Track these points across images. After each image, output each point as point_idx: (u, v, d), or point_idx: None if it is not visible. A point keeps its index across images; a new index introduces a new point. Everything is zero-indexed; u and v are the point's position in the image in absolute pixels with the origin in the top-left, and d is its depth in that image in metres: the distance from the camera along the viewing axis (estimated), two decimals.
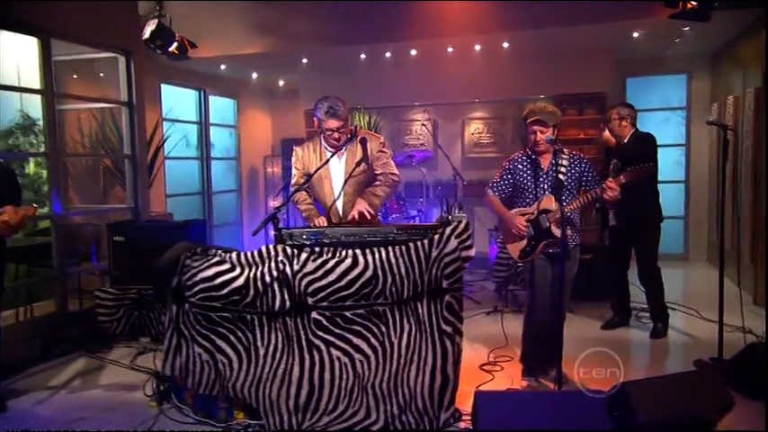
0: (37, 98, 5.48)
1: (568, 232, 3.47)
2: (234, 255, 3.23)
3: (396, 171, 3.81)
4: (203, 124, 8.29)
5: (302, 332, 3.16)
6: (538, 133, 3.63)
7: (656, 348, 4.52)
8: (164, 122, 7.21)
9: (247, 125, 9.20)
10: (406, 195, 6.81)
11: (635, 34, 6.28)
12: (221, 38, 6.83)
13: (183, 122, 7.92)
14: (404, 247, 3.11)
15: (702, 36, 6.34)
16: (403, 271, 3.09)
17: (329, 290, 3.09)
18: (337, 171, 3.69)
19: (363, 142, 3.69)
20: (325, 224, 3.59)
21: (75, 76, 6.35)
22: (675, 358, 4.24)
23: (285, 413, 3.15)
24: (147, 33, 5.92)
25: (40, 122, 5.79)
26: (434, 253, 3.10)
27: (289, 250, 3.15)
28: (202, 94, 8.24)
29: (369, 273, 3.08)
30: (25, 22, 4.51)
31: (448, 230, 3.11)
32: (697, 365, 3.89)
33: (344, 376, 3.15)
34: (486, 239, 6.77)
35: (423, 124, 7.81)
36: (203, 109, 8.27)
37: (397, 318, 3.16)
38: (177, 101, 7.80)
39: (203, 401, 3.39)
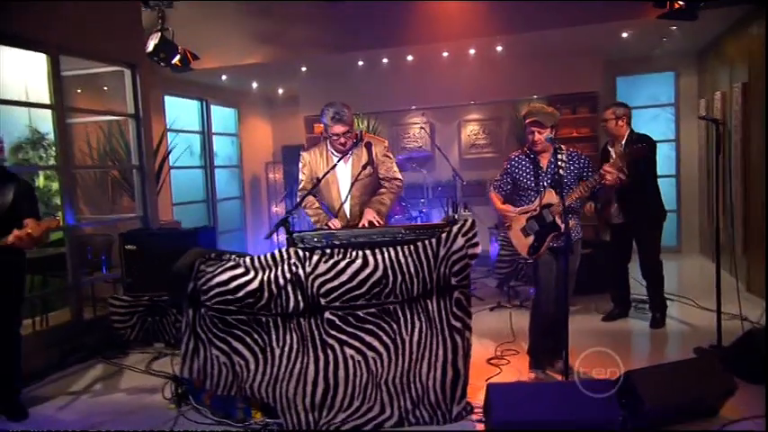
0: (45, 113, 5.52)
1: (572, 223, 3.50)
2: (247, 259, 3.25)
3: (399, 176, 3.86)
4: (206, 134, 8.30)
5: (316, 332, 3.19)
6: (536, 133, 3.66)
7: (657, 337, 4.55)
8: (168, 133, 7.21)
9: (248, 133, 9.22)
10: (408, 197, 6.83)
11: (624, 34, 6.32)
12: (222, 49, 6.85)
13: (186, 132, 7.93)
14: (412, 247, 3.14)
15: (689, 34, 6.40)
16: (412, 269, 3.12)
17: (341, 290, 3.12)
18: (344, 175, 3.72)
19: (369, 147, 3.72)
20: (339, 226, 3.60)
21: (79, 91, 6.36)
22: (675, 346, 4.28)
23: (302, 411, 3.18)
24: (150, 47, 5.94)
25: (49, 136, 5.83)
26: (442, 251, 3.13)
27: (301, 253, 3.18)
28: (204, 104, 8.25)
29: (379, 272, 3.11)
30: (34, 39, 4.52)
31: (455, 229, 3.15)
32: (697, 353, 3.93)
33: (358, 373, 3.18)
34: (486, 237, 6.80)
35: (422, 127, 7.84)
36: (205, 119, 8.28)
37: (408, 315, 3.20)
38: (180, 112, 7.81)
39: (221, 402, 3.40)
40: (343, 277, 3.11)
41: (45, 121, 5.80)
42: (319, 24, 6.52)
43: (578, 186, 3.55)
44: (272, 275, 3.14)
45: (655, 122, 7.87)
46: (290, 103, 9.04)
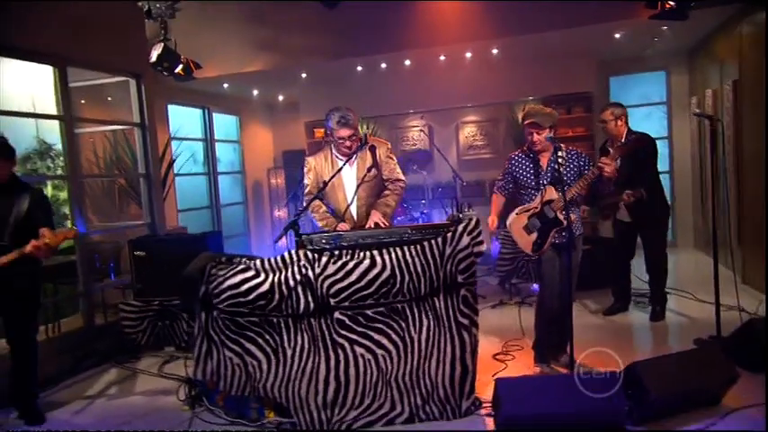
0: (52, 124, 5.52)
1: (573, 218, 3.53)
2: (258, 261, 3.27)
3: (402, 177, 3.87)
4: (209, 141, 8.31)
5: (326, 332, 3.20)
6: (534, 134, 3.68)
7: (657, 330, 4.58)
8: (172, 141, 7.22)
9: (250, 140, 9.23)
10: (409, 198, 6.85)
11: (617, 35, 6.36)
12: (223, 57, 6.86)
13: (190, 140, 7.94)
14: (419, 246, 3.16)
15: (679, 34, 6.43)
16: (419, 269, 3.14)
17: (350, 290, 3.14)
18: (349, 178, 3.73)
19: (373, 150, 3.73)
20: (348, 229, 3.62)
21: (83, 102, 6.37)
22: (676, 338, 4.30)
23: (314, 409, 3.19)
24: (153, 57, 5.95)
25: (56, 147, 5.84)
26: (448, 250, 3.15)
27: (310, 254, 3.19)
28: (206, 112, 8.26)
29: (387, 272, 3.12)
30: (42, 51, 4.54)
31: (460, 228, 3.17)
32: (697, 344, 3.95)
33: (369, 372, 3.19)
34: (487, 236, 6.80)
35: (421, 130, 7.87)
36: (208, 126, 8.29)
37: (416, 313, 3.21)
38: (183, 120, 7.82)
39: (234, 403, 3.41)
40: (352, 278, 3.13)
41: (51, 132, 5.80)
42: (318, 31, 6.54)
43: (578, 181, 3.57)
44: (283, 277, 3.15)
45: (648, 120, 7.91)
46: (289, 110, 9.06)
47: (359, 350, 3.19)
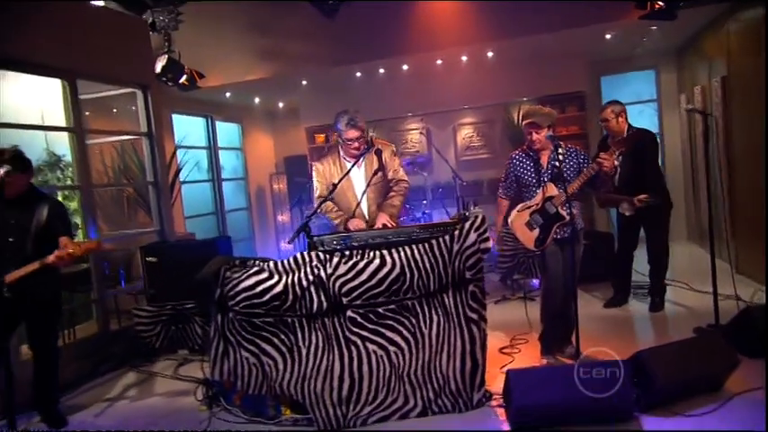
0: (60, 136, 5.54)
1: (574, 212, 3.57)
2: (271, 263, 3.29)
3: (405, 177, 3.91)
4: (212, 149, 8.33)
5: (340, 330, 3.22)
6: (533, 133, 3.71)
7: (657, 320, 4.61)
8: (177, 150, 7.23)
9: (252, 146, 9.24)
10: (410, 199, 6.88)
11: (608, 36, 6.41)
12: (226, 67, 6.89)
13: (194, 148, 7.96)
14: (427, 244, 3.19)
15: (667, 33, 6.48)
16: (428, 266, 3.17)
17: (361, 289, 3.16)
18: (358, 179, 3.76)
19: (379, 153, 3.76)
20: (363, 226, 3.63)
21: (87, 113, 6.37)
22: (675, 328, 4.32)
23: (330, 406, 3.20)
24: (158, 68, 5.98)
25: (65, 158, 5.84)
26: (456, 247, 3.18)
27: (321, 255, 3.22)
28: (210, 120, 8.28)
29: (396, 270, 3.15)
30: (52, 66, 4.56)
31: (467, 225, 3.20)
32: (697, 332, 3.98)
33: (382, 368, 3.21)
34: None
35: (421, 132, 7.91)
36: (211, 134, 8.31)
37: (426, 310, 3.24)
38: (187, 129, 7.83)
39: (251, 402, 3.43)
40: (363, 277, 3.15)
41: (60, 144, 5.81)
42: (318, 39, 6.57)
43: (578, 177, 3.61)
44: (296, 278, 3.18)
45: (640, 118, 7.93)
46: (290, 116, 9.08)
47: (371, 347, 3.21)
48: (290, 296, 3.16)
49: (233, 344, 3.28)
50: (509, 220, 3.82)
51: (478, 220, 3.21)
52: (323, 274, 3.17)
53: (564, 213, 3.55)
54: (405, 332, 3.22)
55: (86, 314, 5.37)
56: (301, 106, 8.51)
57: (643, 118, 8.02)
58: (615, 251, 5.17)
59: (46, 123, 5.55)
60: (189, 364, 4.56)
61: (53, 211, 3.34)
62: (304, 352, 3.23)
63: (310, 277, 3.17)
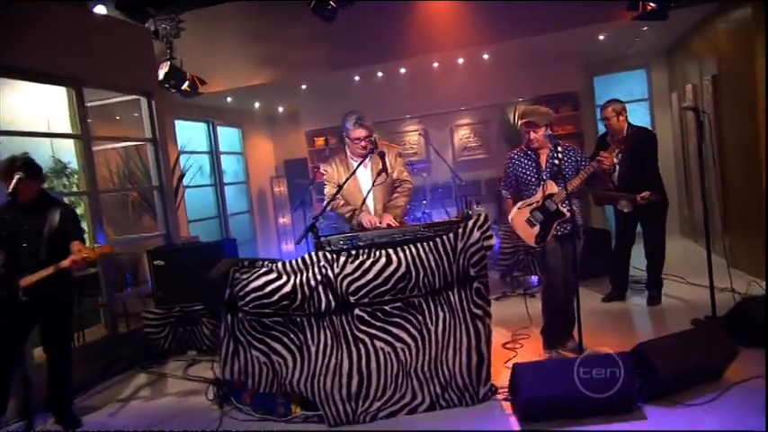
0: (66, 143, 5.54)
1: (575, 208, 3.60)
2: (279, 264, 3.30)
3: (409, 178, 3.94)
4: (214, 153, 8.33)
5: (348, 328, 3.24)
6: (531, 133, 3.74)
7: (655, 313, 4.64)
8: (180, 155, 7.24)
9: (252, 150, 9.24)
10: (411, 199, 6.90)
11: (600, 37, 6.45)
12: (227, 73, 6.89)
13: (197, 153, 7.96)
14: (432, 243, 3.21)
15: (658, 33, 6.53)
16: (433, 264, 3.19)
17: (368, 288, 3.18)
18: (365, 178, 3.78)
19: (382, 155, 3.77)
20: (376, 220, 3.63)
21: (89, 121, 6.35)
22: (673, 320, 4.34)
23: (339, 403, 3.22)
24: (161, 75, 5.99)
25: (71, 165, 5.85)
26: (460, 245, 3.20)
27: (329, 255, 3.24)
28: (211, 125, 8.28)
29: (402, 269, 3.17)
30: (59, 74, 4.57)
31: (470, 223, 3.22)
32: (694, 324, 4.01)
33: (389, 364, 3.23)
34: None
35: (420, 134, 7.94)
36: (213, 139, 8.31)
37: (432, 307, 3.26)
38: (189, 134, 7.83)
39: (261, 400, 3.44)
40: (370, 275, 3.17)
41: (66, 151, 5.81)
42: (317, 44, 6.58)
43: (578, 174, 3.64)
44: (304, 278, 3.19)
45: (632, 116, 7.82)
46: (289, 120, 9.10)
47: (379, 344, 3.23)
48: (299, 296, 3.18)
49: (243, 343, 3.29)
50: (510, 218, 3.85)
51: (481, 218, 3.24)
52: (330, 273, 3.19)
53: (564, 210, 3.58)
54: (411, 329, 3.24)
55: (94, 318, 5.37)
56: (301, 110, 8.53)
57: (635, 117, 7.99)
58: (612, 247, 5.20)
59: (52, 131, 5.55)
60: (198, 364, 4.57)
61: (65, 216, 3.35)
62: (313, 350, 3.25)
63: (318, 277, 3.19)
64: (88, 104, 5.64)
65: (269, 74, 6.92)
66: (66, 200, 5.92)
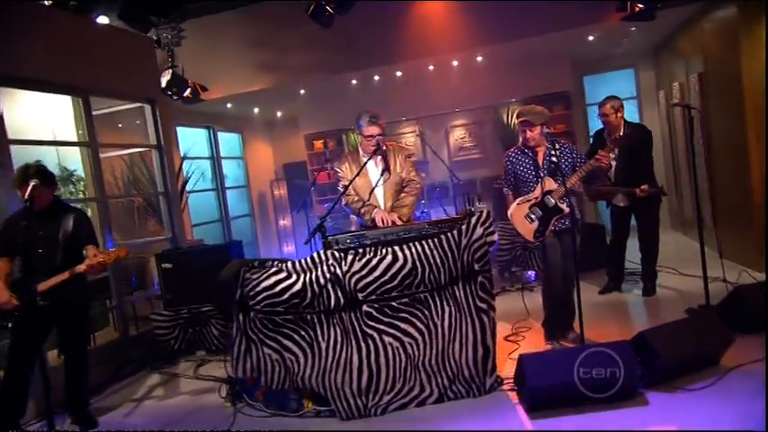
0: (72, 151, 5.54)
1: (573, 204, 3.64)
2: (289, 264, 3.32)
3: (417, 178, 3.93)
4: (215, 158, 8.34)
5: (356, 324, 3.26)
6: (527, 131, 3.78)
7: (651, 304, 4.69)
8: (184, 161, 7.24)
9: (252, 155, 9.25)
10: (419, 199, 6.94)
11: (590, 38, 6.51)
12: (227, 79, 6.91)
13: (199, 159, 7.96)
14: (436, 240, 3.24)
15: (645, 33, 6.60)
16: (438, 260, 3.22)
17: (376, 284, 3.21)
18: (376, 176, 3.80)
19: (384, 155, 3.80)
20: (387, 219, 3.63)
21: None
22: (668, 310, 4.39)
23: (350, 397, 3.24)
24: (163, 83, 6.00)
25: (77, 173, 5.85)
26: (464, 241, 3.23)
27: (337, 254, 3.25)
28: (212, 131, 8.29)
29: (408, 265, 3.19)
30: (66, 84, 4.57)
31: (473, 220, 3.25)
32: (689, 313, 4.06)
33: (398, 358, 3.25)
34: None
35: (418, 135, 7.98)
36: (214, 145, 8.32)
37: (438, 302, 3.28)
38: (191, 141, 7.83)
39: (274, 396, 3.45)
40: (377, 273, 3.20)
41: (71, 159, 5.81)
42: (315, 51, 6.61)
43: (576, 171, 3.68)
44: (314, 276, 3.21)
45: None
46: (288, 125, 9.11)
47: (387, 339, 3.25)
48: (309, 294, 3.20)
49: (255, 342, 3.30)
50: (509, 213, 3.88)
51: (484, 214, 3.27)
52: (339, 271, 3.21)
53: (563, 206, 3.62)
54: (418, 324, 3.26)
55: (103, 321, 5.37)
56: (300, 114, 8.55)
57: (625, 115, 8.12)
58: (607, 241, 5.25)
59: (57, 139, 5.55)
60: (207, 364, 4.57)
61: (78, 221, 3.36)
62: (323, 346, 3.27)
63: (327, 275, 3.21)
64: (93, 113, 5.67)
65: (268, 80, 6.94)
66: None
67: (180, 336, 4.79)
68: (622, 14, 5.46)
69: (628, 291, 5.04)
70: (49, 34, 4.43)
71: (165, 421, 3.47)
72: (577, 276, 3.47)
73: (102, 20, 5.35)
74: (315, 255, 3.29)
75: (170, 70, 6.07)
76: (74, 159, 5.79)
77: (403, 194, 3.84)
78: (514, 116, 3.99)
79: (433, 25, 6.28)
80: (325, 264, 3.25)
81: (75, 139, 5.24)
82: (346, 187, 3.71)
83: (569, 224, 3.71)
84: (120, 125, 6.52)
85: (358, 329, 3.26)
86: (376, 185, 3.75)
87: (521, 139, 3.89)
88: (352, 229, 3.89)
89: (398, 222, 3.65)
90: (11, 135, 4.20)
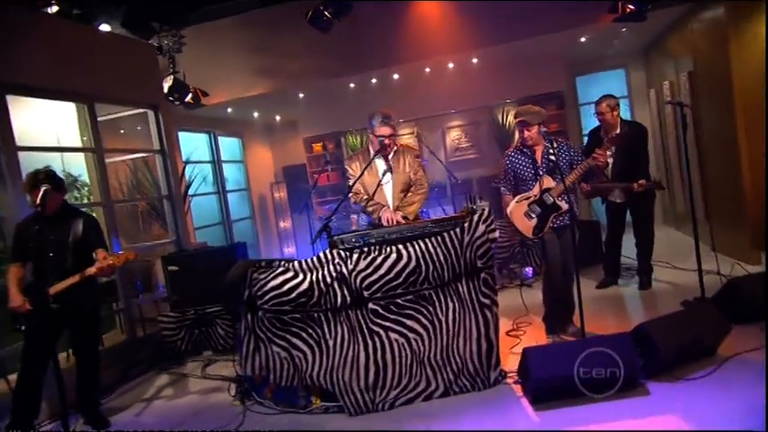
0: (76, 157, 5.53)
1: (572, 201, 3.66)
2: (296, 263, 3.34)
3: (424, 179, 3.94)
4: (216, 162, 8.33)
5: (363, 322, 3.27)
6: (524, 131, 3.81)
7: (647, 297, 4.72)
8: (186, 165, 7.23)
9: (252, 158, 9.25)
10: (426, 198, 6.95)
11: (582, 39, 6.56)
12: (228, 84, 6.91)
13: (200, 163, 7.96)
14: (440, 238, 3.26)
15: (636, 34, 6.65)
16: (442, 257, 3.24)
17: (381, 282, 3.23)
18: (387, 177, 3.80)
19: (386, 156, 3.81)
20: (393, 219, 3.63)
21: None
22: (664, 303, 4.41)
23: (358, 393, 3.26)
24: (166, 88, 6.00)
25: (81, 178, 5.83)
26: (466, 238, 3.25)
27: (342, 253, 3.27)
28: (212, 136, 8.28)
29: (413, 263, 3.22)
30: (71, 91, 4.57)
31: (475, 218, 3.28)
32: (685, 305, 4.09)
33: (404, 354, 3.27)
34: None
35: (416, 136, 8.00)
36: (215, 149, 8.31)
37: (442, 298, 3.30)
38: (192, 145, 7.82)
39: (282, 394, 3.46)
40: (382, 271, 3.22)
41: (76, 165, 5.79)
42: (313, 55, 6.62)
43: (574, 169, 3.70)
44: (320, 275, 3.23)
45: None
46: (287, 128, 9.12)
47: (393, 336, 3.27)
48: (316, 292, 3.21)
49: (264, 340, 3.31)
50: (508, 210, 3.90)
51: (485, 212, 3.29)
52: (345, 270, 3.23)
53: (562, 204, 3.65)
54: (423, 320, 3.28)
55: (111, 324, 5.35)
56: (299, 118, 8.56)
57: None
58: (603, 237, 5.27)
59: (61, 145, 5.54)
60: (214, 363, 4.58)
61: (87, 225, 3.36)
62: (331, 344, 3.28)
63: (333, 274, 3.23)
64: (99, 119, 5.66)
65: (267, 84, 6.95)
66: None
67: (187, 336, 4.79)
68: (614, 16, 5.50)
69: (624, 285, 5.07)
70: (54, 43, 4.44)
71: (176, 420, 3.48)
72: (577, 271, 3.50)
73: (105, 28, 5.35)
74: (321, 254, 3.30)
75: (172, 76, 6.08)
76: (78, 165, 5.77)
77: (410, 194, 3.86)
78: (512, 116, 4.00)
79: (429, 28, 6.30)
80: (331, 263, 3.27)
81: (78, 145, 5.24)
82: (352, 185, 3.73)
83: (568, 221, 3.73)
84: (122, 131, 6.51)
85: (364, 327, 3.28)
86: (380, 184, 3.77)
87: (519, 139, 3.92)
88: (353, 228, 3.90)
89: (403, 222, 3.67)
90: (17, 142, 4.20)
